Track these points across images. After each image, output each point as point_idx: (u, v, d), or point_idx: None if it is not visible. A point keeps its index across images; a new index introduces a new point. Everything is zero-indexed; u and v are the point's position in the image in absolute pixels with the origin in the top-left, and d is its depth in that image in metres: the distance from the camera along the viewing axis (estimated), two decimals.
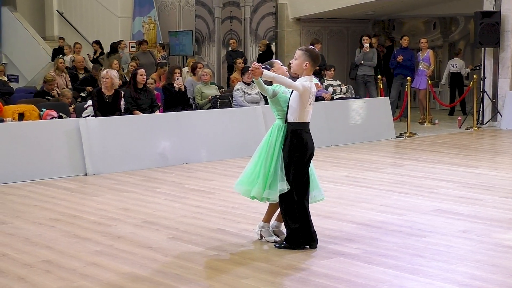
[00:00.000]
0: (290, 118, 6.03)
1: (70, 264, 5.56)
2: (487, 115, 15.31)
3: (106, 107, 10.48)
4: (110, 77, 10.54)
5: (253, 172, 6.12)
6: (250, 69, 5.89)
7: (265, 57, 15.35)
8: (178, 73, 11.81)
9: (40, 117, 10.46)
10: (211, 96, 12.20)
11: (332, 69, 14.11)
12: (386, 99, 13.70)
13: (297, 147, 6.02)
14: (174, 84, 11.63)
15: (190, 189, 8.63)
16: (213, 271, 5.38)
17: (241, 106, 11.94)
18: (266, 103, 12.21)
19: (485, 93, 15.17)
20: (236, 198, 8.00)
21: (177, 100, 11.68)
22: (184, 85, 11.97)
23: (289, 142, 6.01)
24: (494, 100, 15.17)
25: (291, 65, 6.15)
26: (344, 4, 16.16)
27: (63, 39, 18.97)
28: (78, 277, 5.24)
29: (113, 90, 10.60)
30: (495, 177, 9.19)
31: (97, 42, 18.05)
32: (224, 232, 6.52)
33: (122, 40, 18.33)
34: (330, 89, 13.69)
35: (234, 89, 12.33)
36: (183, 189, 8.59)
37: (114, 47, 17.36)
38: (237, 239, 6.29)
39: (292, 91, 6.03)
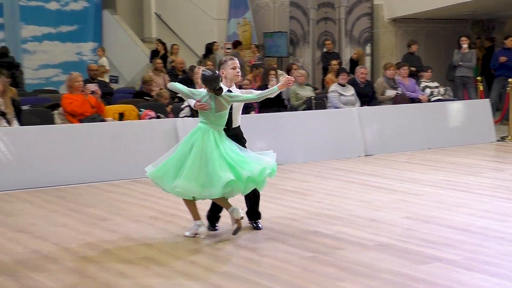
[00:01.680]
0: (236, 124, 6.60)
1: (168, 261, 5.66)
2: None
3: None
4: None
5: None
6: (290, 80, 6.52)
7: (356, 64, 15.17)
8: (273, 75, 11.83)
9: (139, 117, 10.70)
10: (306, 98, 12.18)
11: (429, 71, 13.85)
12: (486, 101, 13.32)
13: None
14: (268, 86, 11.65)
15: (285, 190, 8.63)
16: (308, 273, 5.35)
17: (336, 107, 11.87)
18: (362, 104, 12.12)
19: None
20: (332, 200, 7.98)
21: (272, 101, 11.69)
22: None
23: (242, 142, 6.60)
24: None
25: (237, 74, 6.59)
26: (442, 4, 15.79)
27: (161, 40, 19.35)
28: (176, 274, 5.33)
29: None
30: None
31: (161, 42, 18.27)
32: (320, 234, 6.48)
33: (215, 42, 18.53)
34: (427, 90, 13.43)
35: (329, 90, 12.27)
36: (278, 190, 8.59)
37: (209, 49, 17.56)
38: (332, 241, 6.24)
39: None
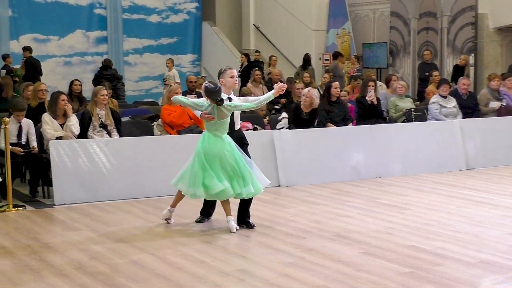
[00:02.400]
0: (238, 126, 7.48)
1: (263, 274, 5.68)
2: None
3: (301, 122, 10.65)
4: (310, 96, 10.69)
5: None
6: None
7: (460, 72, 14.82)
8: (372, 86, 11.73)
9: None
10: (406, 109, 12.00)
11: None
12: None
13: None
14: (366, 97, 11.56)
15: (382, 203, 8.52)
16: None
17: (437, 119, 11.64)
18: (464, 116, 11.83)
19: None
20: (432, 215, 7.82)
21: (369, 113, 11.60)
22: (378, 98, 11.85)
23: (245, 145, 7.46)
24: None
25: (235, 83, 7.36)
26: None
27: (259, 52, 19.52)
28: (270, 287, 5.34)
29: (311, 109, 10.74)
30: None
31: (246, 54, 18.35)
32: (419, 249, 6.36)
33: (308, 53, 18.52)
34: None
35: (430, 102, 12.04)
36: (375, 204, 8.50)
37: (306, 60, 17.59)
38: (432, 257, 6.11)
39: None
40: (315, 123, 10.85)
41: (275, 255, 6.25)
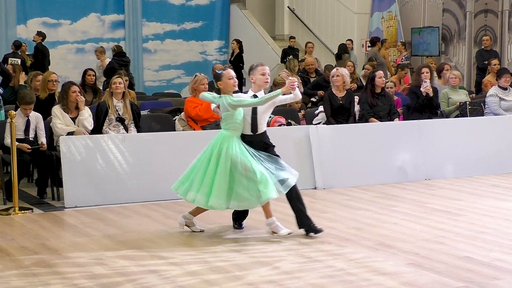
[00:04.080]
0: (262, 129, 7.36)
1: (295, 285, 5.68)
2: None
3: (338, 110, 10.68)
4: (340, 74, 10.70)
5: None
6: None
7: None
8: (427, 74, 11.48)
9: (268, 124, 10.77)
10: (460, 103, 11.92)
11: None
12: None
13: None
14: (421, 89, 11.38)
15: (433, 209, 8.48)
16: None
17: (495, 114, 11.56)
18: None
19: None
20: (488, 222, 7.77)
21: (423, 106, 11.45)
22: (435, 89, 11.63)
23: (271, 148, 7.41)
24: None
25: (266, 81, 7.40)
26: None
27: (294, 38, 19.52)
28: None
29: (345, 91, 10.75)
30: None
31: (238, 41, 18.32)
32: (473, 261, 6.32)
33: (350, 40, 18.47)
34: None
35: (488, 94, 11.96)
36: (424, 209, 8.47)
37: (342, 48, 17.58)
38: (488, 269, 6.07)
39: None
40: (357, 115, 10.83)
41: (310, 266, 6.25)
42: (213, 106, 7.75)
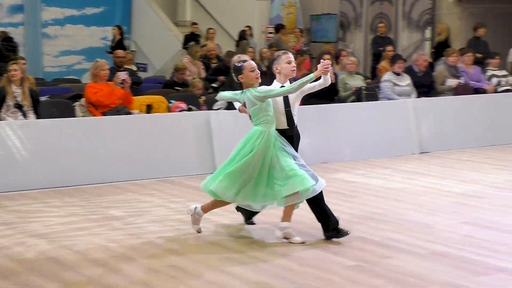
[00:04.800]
0: (296, 121, 6.71)
1: (197, 270, 5.69)
2: None
3: None
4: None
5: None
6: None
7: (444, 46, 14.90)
8: (328, 59, 11.55)
9: (169, 110, 10.76)
10: (356, 88, 12.11)
11: (497, 57, 13.67)
12: None
13: None
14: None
15: (328, 191, 8.43)
16: (353, 285, 5.35)
17: (389, 99, 11.80)
18: (419, 95, 12.03)
19: None
20: (381, 203, 7.95)
21: (324, 92, 11.50)
22: (336, 74, 11.74)
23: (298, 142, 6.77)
24: None
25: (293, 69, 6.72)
26: None
27: (197, 24, 19.42)
28: (207, 285, 5.37)
29: None
30: None
31: (119, 27, 18.21)
32: (366, 240, 6.46)
33: (249, 26, 18.51)
34: (494, 80, 13.26)
35: (382, 80, 12.20)
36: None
37: (242, 35, 17.64)
38: (380, 248, 6.22)
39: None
40: None
41: (210, 249, 6.26)
42: (237, 105, 6.89)
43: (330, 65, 6.52)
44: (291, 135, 6.62)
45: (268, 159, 6.45)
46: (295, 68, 6.72)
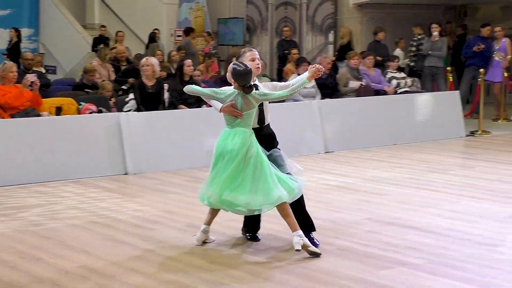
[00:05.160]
0: (268, 120, 6.54)
1: (108, 270, 5.64)
2: None
3: (148, 98, 10.66)
4: (150, 64, 10.71)
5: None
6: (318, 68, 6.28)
7: (346, 50, 15.12)
8: None
9: (79, 111, 10.63)
10: None
11: (396, 60, 13.99)
12: (456, 93, 13.51)
13: None
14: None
15: None
16: (260, 281, 5.40)
17: (294, 100, 11.92)
18: (323, 96, 12.22)
19: None
20: None
21: None
22: None
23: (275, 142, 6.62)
24: None
25: (258, 67, 6.37)
26: None
27: (105, 27, 19.19)
28: (118, 284, 5.32)
29: (155, 80, 10.77)
30: None
31: (16, 29, 18.03)
32: (275, 238, 6.51)
33: (157, 29, 18.44)
34: (394, 82, 13.57)
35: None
36: None
37: (152, 37, 17.54)
38: (289, 246, 6.28)
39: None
40: (166, 102, 10.86)
41: (121, 249, 6.21)
42: (216, 104, 6.28)
43: (322, 70, 6.38)
44: (259, 134, 6.36)
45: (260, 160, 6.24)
46: (259, 65, 6.42)
